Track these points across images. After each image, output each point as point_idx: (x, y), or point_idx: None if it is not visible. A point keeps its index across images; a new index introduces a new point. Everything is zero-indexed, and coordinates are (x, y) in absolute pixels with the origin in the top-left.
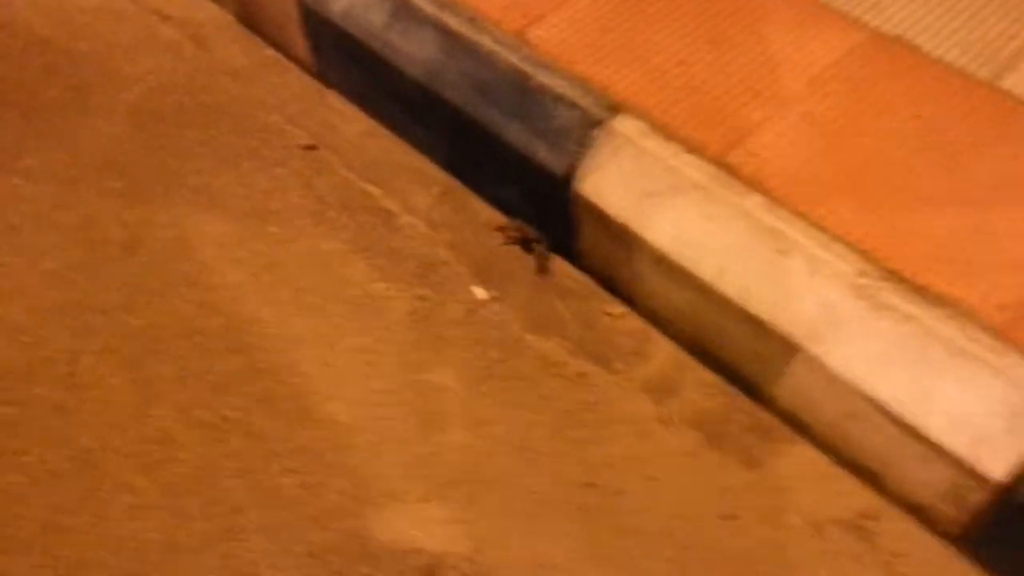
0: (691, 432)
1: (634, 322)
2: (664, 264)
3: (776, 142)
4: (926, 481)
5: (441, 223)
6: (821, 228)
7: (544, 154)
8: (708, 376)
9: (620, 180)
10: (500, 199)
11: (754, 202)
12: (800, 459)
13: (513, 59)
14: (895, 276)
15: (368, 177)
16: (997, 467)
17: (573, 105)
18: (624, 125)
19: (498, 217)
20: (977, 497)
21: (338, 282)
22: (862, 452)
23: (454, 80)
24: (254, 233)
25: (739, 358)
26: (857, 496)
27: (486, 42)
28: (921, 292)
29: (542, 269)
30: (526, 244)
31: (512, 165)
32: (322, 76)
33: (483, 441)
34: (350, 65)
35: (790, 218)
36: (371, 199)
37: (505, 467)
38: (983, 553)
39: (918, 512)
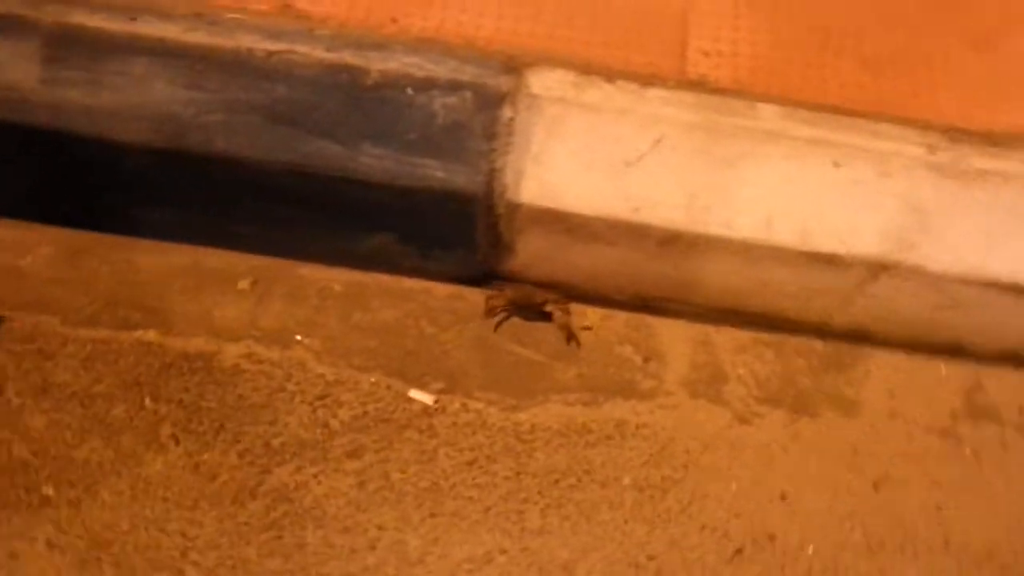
0: (775, 412)
1: (619, 320)
2: (681, 242)
3: (724, 27)
4: None
5: (282, 333)
6: (854, 113)
7: (438, 174)
8: (740, 337)
9: (576, 162)
10: (362, 255)
11: (769, 115)
12: (883, 372)
13: (317, 52)
14: (965, 134)
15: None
16: None
17: (453, 85)
18: (545, 83)
19: (354, 278)
20: None
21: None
22: (951, 332)
23: (222, 120)
24: None
25: (786, 305)
26: (953, 378)
27: (249, 42)
28: (995, 140)
29: (571, 336)
30: (536, 313)
31: (381, 207)
32: None
33: None
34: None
35: (817, 117)
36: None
37: None
38: None
39: (1014, 359)
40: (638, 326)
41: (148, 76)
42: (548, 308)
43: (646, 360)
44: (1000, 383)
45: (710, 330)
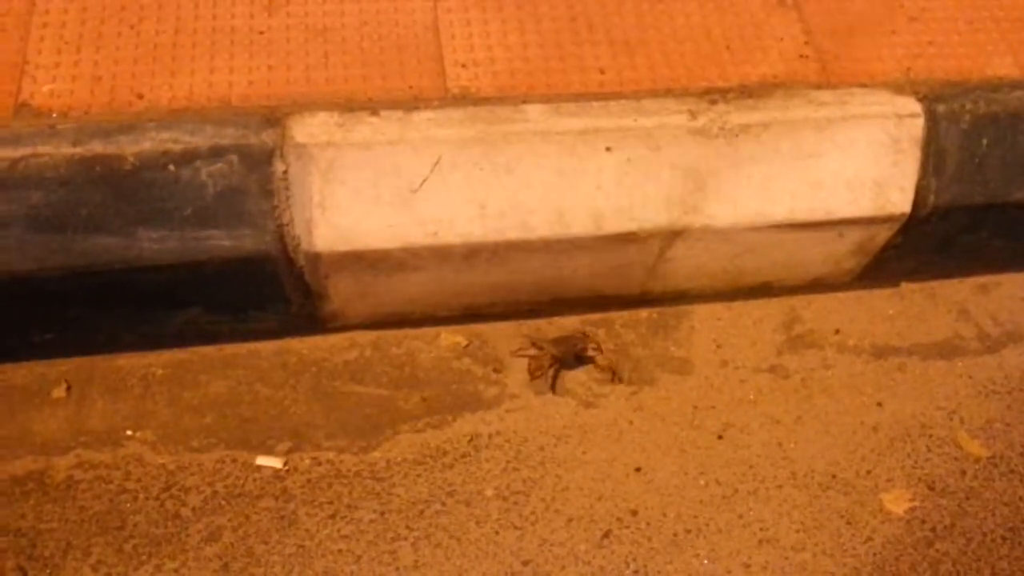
0: (616, 389)
1: (450, 334)
2: (484, 252)
3: (476, 35)
4: (829, 254)
5: (111, 432)
6: (619, 95)
7: (225, 243)
8: (569, 324)
9: (362, 200)
10: (176, 333)
11: (536, 115)
12: (706, 325)
13: (64, 148)
14: (721, 93)
15: None
16: (904, 200)
17: (216, 151)
18: (308, 130)
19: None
20: (885, 235)
21: None
22: (757, 275)
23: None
24: None
25: (598, 284)
26: (770, 316)
27: None
28: (749, 92)
29: (616, 375)
30: (580, 360)
31: (178, 286)
32: None
33: None
34: None
35: (581, 108)
36: None
37: None
38: (884, 273)
39: (821, 285)
40: (470, 336)
41: None
42: (591, 353)
43: (486, 367)
44: (813, 310)
45: (541, 323)
